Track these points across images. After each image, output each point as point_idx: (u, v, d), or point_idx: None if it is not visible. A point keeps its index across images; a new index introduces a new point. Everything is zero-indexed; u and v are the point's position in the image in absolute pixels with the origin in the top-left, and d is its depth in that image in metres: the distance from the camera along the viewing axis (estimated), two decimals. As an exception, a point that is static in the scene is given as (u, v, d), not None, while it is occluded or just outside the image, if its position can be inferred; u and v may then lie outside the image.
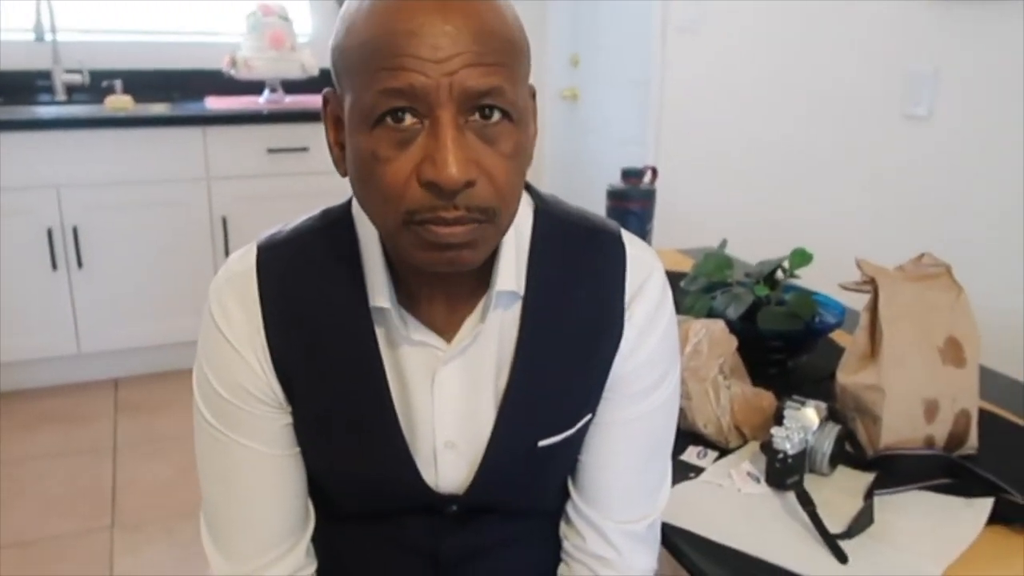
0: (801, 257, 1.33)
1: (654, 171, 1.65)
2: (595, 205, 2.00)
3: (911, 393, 1.08)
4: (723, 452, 1.13)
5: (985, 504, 0.99)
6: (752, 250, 1.89)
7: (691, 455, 1.11)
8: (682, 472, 1.07)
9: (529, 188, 0.86)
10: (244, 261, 0.82)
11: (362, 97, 0.67)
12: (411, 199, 0.67)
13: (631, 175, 1.64)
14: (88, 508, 2.32)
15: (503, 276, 0.80)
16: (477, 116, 0.67)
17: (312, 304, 0.80)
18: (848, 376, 1.11)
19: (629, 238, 0.87)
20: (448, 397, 0.83)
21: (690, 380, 1.14)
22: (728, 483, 1.06)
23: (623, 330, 0.83)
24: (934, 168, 2.11)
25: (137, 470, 2.51)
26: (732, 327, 1.29)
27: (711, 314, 1.34)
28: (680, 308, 1.37)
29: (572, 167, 3.90)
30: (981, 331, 1.13)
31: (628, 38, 3.39)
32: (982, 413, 1.16)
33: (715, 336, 1.18)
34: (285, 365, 0.81)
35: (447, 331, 0.82)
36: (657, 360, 0.86)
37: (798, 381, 1.30)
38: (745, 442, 1.14)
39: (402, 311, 0.79)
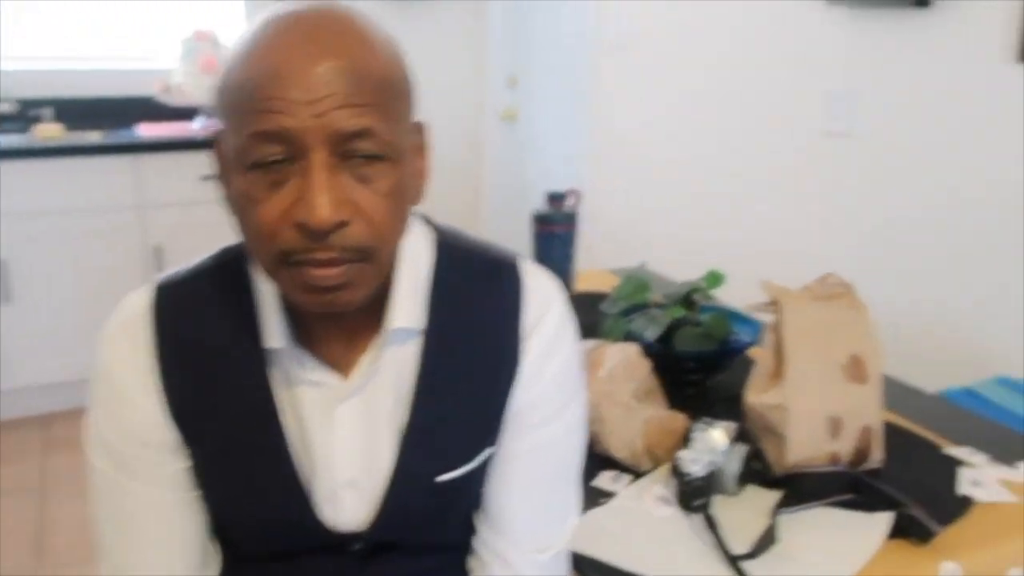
0: (714, 279, 1.35)
1: (576, 193, 1.68)
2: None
3: (815, 411, 1.10)
4: (637, 476, 1.14)
5: (885, 519, 1.02)
6: (686, 267, 1.92)
7: (604, 480, 1.12)
8: (594, 498, 1.08)
9: (428, 222, 0.87)
10: (137, 303, 0.81)
11: (238, 139, 0.67)
12: (284, 240, 0.67)
13: (555, 198, 1.66)
14: (14, 549, 2.25)
15: (398, 313, 0.80)
16: (351, 156, 0.67)
17: (205, 346, 0.80)
18: (754, 396, 1.14)
19: (530, 269, 0.88)
20: (347, 435, 0.82)
21: (604, 405, 1.15)
22: (640, 507, 1.07)
23: (520, 363, 0.84)
24: (854, 183, 2.17)
25: (66, 509, 2.45)
26: (650, 349, 1.31)
27: (629, 337, 1.36)
28: (599, 331, 1.39)
29: (513, 187, 3.93)
30: (895, 343, 1.16)
31: (564, 57, 3.43)
32: (889, 426, 1.20)
33: (629, 360, 1.20)
34: (179, 408, 0.80)
35: (345, 368, 0.82)
36: (556, 391, 0.87)
37: (716, 400, 1.32)
38: (659, 465, 1.15)
39: (298, 350, 0.79)
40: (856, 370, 1.13)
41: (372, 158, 0.68)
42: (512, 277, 0.86)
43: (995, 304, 1.84)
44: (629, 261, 2.34)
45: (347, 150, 0.67)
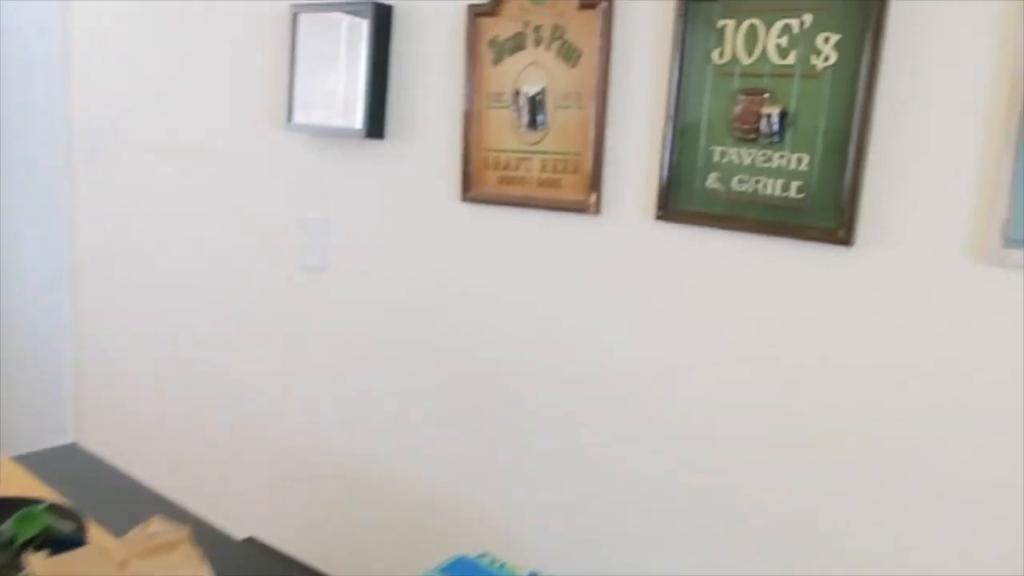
0: (26, 522, 0.97)
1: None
2: None
3: None
4: None
5: None
6: (167, 448, 1.51)
7: None
8: None
9: None
10: None
11: None
12: None
13: None
14: None
15: None
16: None
17: None
18: None
19: None
20: None
21: None
22: None
23: None
24: (331, 317, 1.96)
25: None
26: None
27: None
28: None
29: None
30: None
31: (38, 168, 2.87)
32: None
33: None
34: None
35: None
36: None
37: None
38: None
39: None
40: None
41: None
42: None
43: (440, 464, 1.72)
44: (121, 433, 1.88)
45: None
